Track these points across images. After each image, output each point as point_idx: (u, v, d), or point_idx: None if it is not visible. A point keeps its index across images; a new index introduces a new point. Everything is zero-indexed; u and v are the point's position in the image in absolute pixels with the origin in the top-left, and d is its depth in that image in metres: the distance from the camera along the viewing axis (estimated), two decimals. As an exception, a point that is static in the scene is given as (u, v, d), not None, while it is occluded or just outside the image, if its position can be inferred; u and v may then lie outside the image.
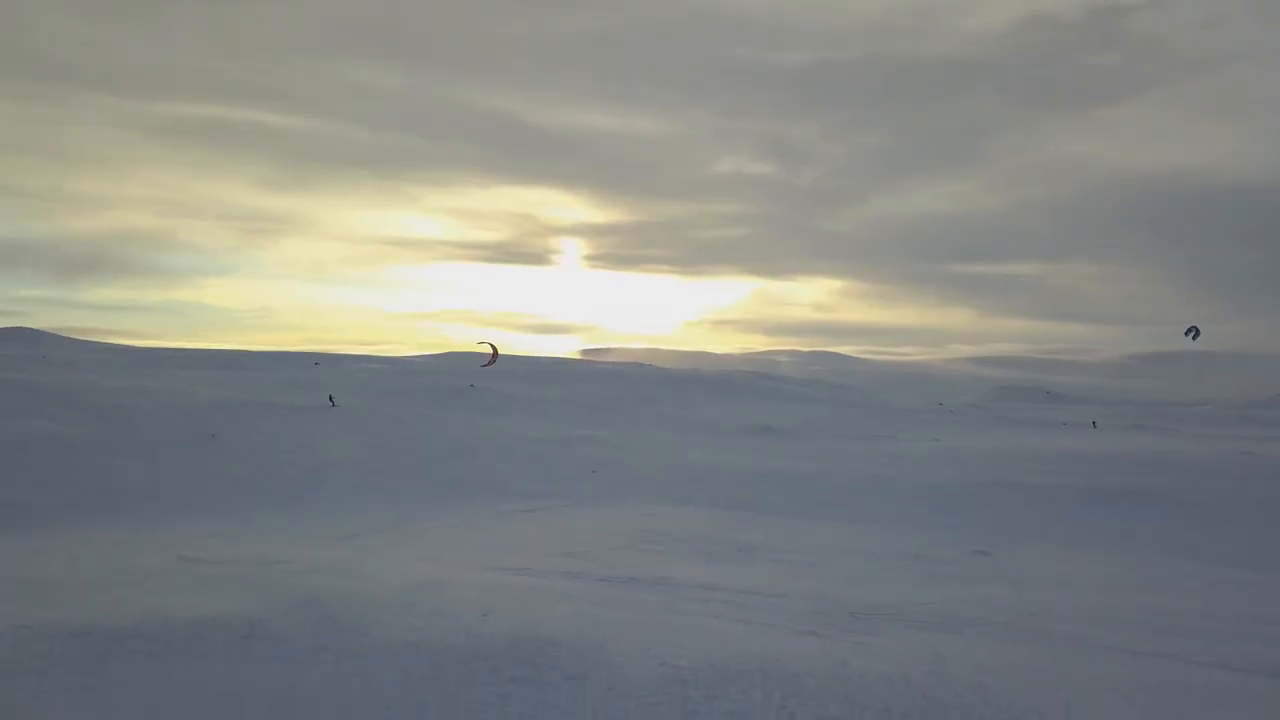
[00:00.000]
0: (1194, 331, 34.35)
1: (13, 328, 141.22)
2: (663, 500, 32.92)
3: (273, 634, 12.70)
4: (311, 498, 32.10)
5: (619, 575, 19.27)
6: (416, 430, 48.22)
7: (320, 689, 10.60)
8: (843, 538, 27.18)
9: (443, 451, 42.35)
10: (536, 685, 10.66)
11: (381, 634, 12.82)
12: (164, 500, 30.52)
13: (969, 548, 26.89)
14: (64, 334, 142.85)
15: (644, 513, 29.45)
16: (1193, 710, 11.34)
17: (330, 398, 58.87)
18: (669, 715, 9.70)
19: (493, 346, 28.81)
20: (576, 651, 11.95)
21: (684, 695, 10.32)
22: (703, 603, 16.84)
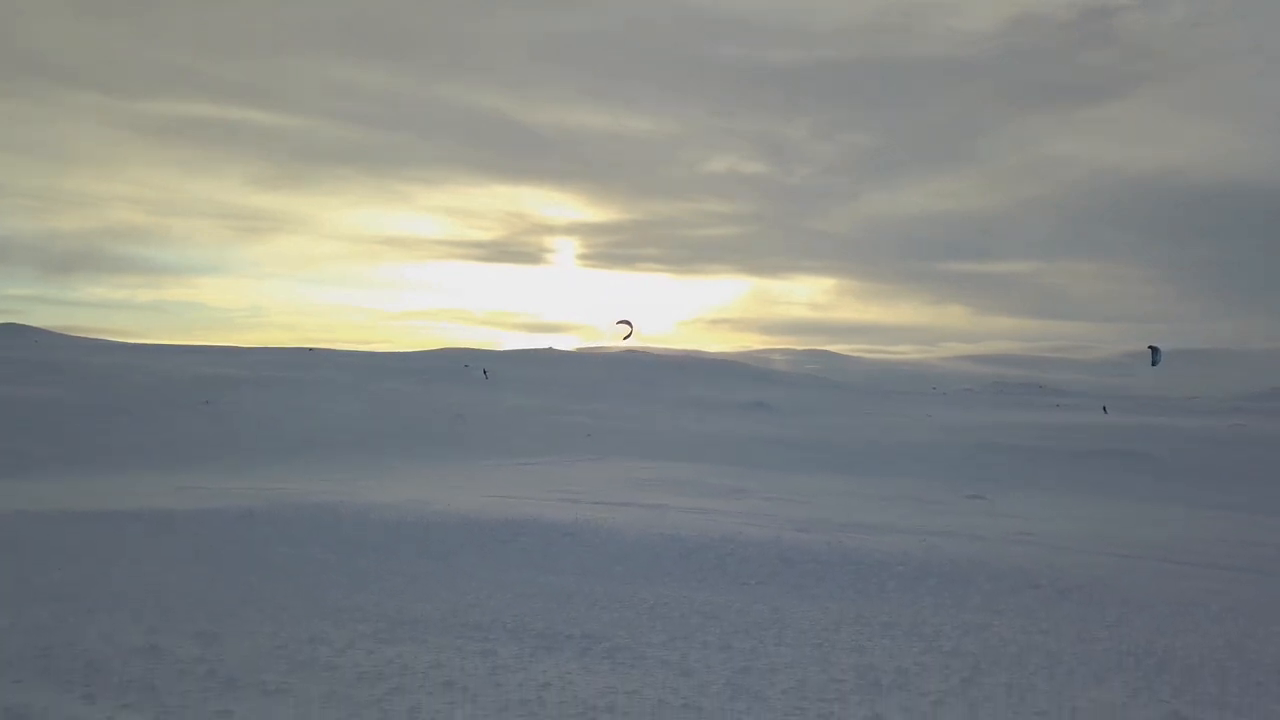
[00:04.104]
0: (1156, 355, 34.18)
1: (5, 324, 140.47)
2: (656, 459, 33.00)
3: (271, 518, 12.80)
4: (308, 455, 32.11)
5: (617, 501, 19.39)
6: (413, 400, 48.27)
7: (322, 548, 10.70)
8: (835, 485, 27.30)
9: (440, 418, 42.41)
10: (539, 538, 10.81)
11: (381, 518, 12.94)
12: (158, 456, 30.50)
13: (962, 493, 27.03)
14: (56, 330, 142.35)
15: (638, 466, 29.54)
16: (1175, 580, 11.67)
17: (484, 371, 60.42)
18: (665, 556, 9.83)
19: (629, 323, 29.45)
20: (577, 526, 12.09)
21: (679, 548, 10.45)
22: (700, 515, 16.97)
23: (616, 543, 10.55)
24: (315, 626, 6.42)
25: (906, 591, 8.51)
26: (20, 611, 6.41)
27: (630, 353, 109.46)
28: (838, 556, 10.50)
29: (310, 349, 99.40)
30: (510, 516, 13.02)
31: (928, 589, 8.76)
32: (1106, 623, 7.95)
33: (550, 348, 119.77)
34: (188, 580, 7.80)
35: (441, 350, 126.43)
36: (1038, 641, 7.20)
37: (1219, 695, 6.09)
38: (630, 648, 6.23)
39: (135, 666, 5.33)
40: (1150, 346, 34.31)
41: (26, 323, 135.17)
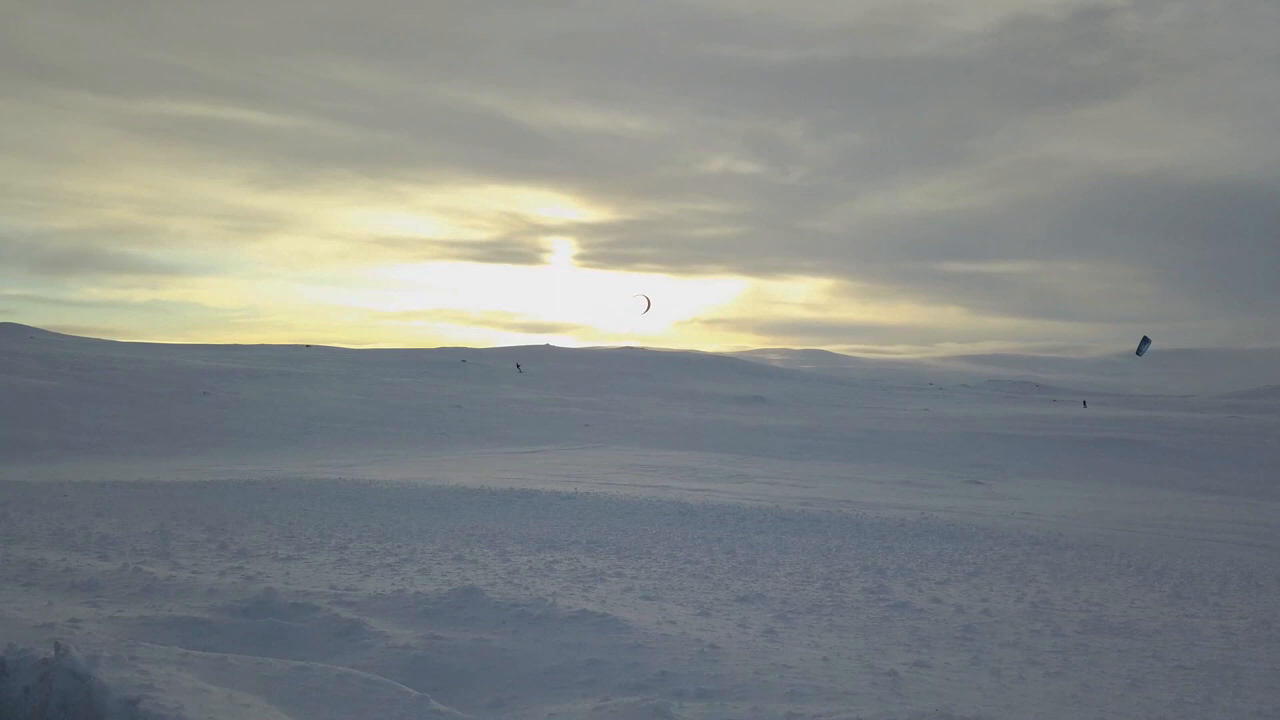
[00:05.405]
0: (1143, 345, 34.04)
1: (1, 324, 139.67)
2: (655, 447, 32.98)
3: (273, 487, 12.83)
4: (306, 443, 32.02)
5: (618, 483, 19.40)
6: (411, 391, 48.25)
7: (325, 503, 10.73)
8: (834, 471, 27.31)
9: (438, 408, 42.38)
10: (540, 501, 10.89)
11: (379, 487, 12.98)
12: (158, 443, 30.42)
13: (960, 478, 27.08)
14: (54, 330, 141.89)
15: (637, 454, 29.53)
16: (1176, 545, 11.77)
17: (518, 365, 61.37)
18: (666, 513, 9.89)
19: (646, 297, 29.41)
20: (578, 495, 12.12)
21: (680, 509, 10.52)
22: (703, 493, 17.01)
23: (617, 506, 10.68)
24: (324, 530, 6.48)
25: (907, 542, 8.60)
26: (30, 510, 6.46)
27: (627, 349, 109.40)
28: (837, 519, 10.60)
29: (307, 345, 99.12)
30: (512, 488, 13.14)
31: (929, 541, 8.86)
32: (1107, 556, 8.02)
33: (549, 344, 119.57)
34: (195, 501, 7.85)
35: (439, 349, 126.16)
36: (1040, 557, 7.26)
37: (1220, 590, 6.16)
38: (636, 548, 6.31)
39: (148, 542, 5.40)
40: (1144, 337, 34.32)
41: (23, 322, 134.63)
